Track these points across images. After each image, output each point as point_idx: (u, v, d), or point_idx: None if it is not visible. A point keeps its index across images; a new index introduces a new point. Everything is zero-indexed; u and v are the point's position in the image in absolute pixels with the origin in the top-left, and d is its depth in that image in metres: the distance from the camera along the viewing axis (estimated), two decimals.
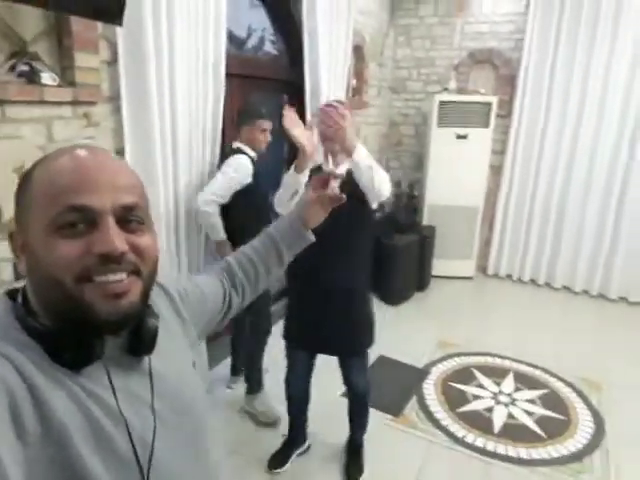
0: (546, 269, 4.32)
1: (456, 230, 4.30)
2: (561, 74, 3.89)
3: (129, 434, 0.60)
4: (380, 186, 1.71)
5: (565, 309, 3.97)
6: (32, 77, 1.65)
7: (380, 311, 3.72)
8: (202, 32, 2.22)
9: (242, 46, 3.27)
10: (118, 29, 1.84)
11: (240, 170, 2.25)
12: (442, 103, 4.04)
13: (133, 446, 0.60)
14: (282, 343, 2.11)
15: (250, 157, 2.32)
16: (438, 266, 4.37)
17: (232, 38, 3.14)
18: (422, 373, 2.94)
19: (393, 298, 3.92)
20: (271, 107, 3.55)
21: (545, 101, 3.99)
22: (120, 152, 1.98)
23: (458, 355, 3.15)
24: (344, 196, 1.00)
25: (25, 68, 1.64)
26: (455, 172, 4.13)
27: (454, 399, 2.68)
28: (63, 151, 0.61)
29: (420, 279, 4.15)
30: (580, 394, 2.76)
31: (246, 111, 2.41)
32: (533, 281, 4.41)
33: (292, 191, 1.78)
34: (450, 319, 3.71)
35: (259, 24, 3.32)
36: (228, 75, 2.45)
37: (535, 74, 3.97)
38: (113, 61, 1.90)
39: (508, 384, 2.84)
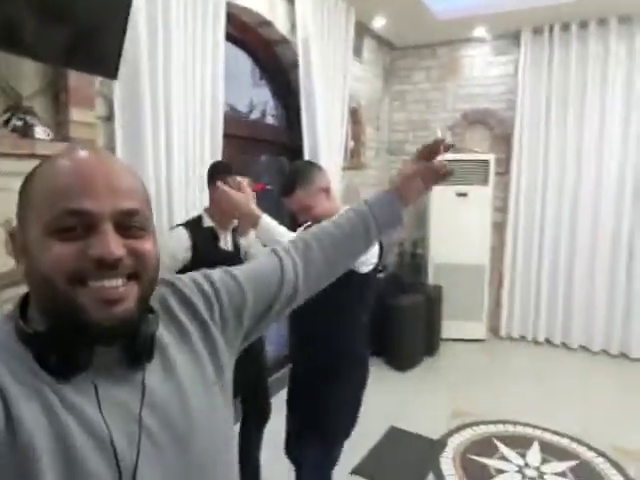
0: (561, 328, 4.12)
1: (464, 290, 4.16)
2: (556, 130, 3.96)
3: (114, 452, 0.55)
4: None
5: (585, 370, 3.73)
6: (25, 131, 1.62)
7: (388, 377, 3.51)
8: (200, 91, 2.25)
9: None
10: (116, 86, 1.85)
11: (166, 249, 1.81)
12: None
13: (118, 464, 0.55)
14: None
15: (191, 227, 1.90)
16: (447, 328, 4.17)
17: (235, 112, 3.23)
18: (438, 445, 2.68)
19: (401, 363, 3.70)
20: (272, 169, 3.60)
21: (542, 158, 4.02)
22: None
23: (476, 424, 2.89)
24: (452, 170, 0.84)
25: (19, 122, 1.62)
26: (458, 230, 4.08)
27: (476, 474, 2.41)
28: (66, 152, 0.60)
29: (429, 343, 3.94)
30: (615, 465, 2.49)
31: (209, 169, 2.02)
32: (549, 341, 4.20)
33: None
34: (464, 385, 3.47)
35: (260, 100, 3.43)
36: (226, 135, 2.45)
37: (530, 132, 4.04)
38: (109, 117, 1.89)
39: (534, 455, 2.58)
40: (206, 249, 1.89)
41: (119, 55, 1.61)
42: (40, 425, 0.52)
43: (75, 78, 1.70)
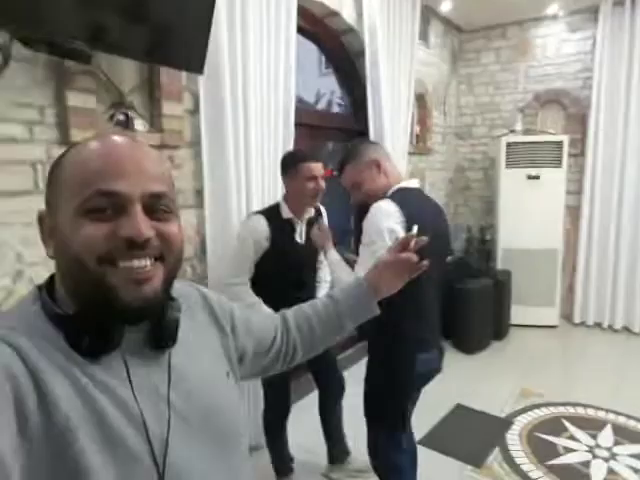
0: None
1: (535, 275, 4.07)
2: (636, 109, 3.74)
3: (145, 429, 0.58)
4: None
5: None
6: (127, 124, 1.86)
7: (455, 360, 3.53)
8: (274, 84, 2.41)
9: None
10: (200, 82, 2.05)
11: (249, 237, 1.92)
12: (509, 145, 3.99)
13: (149, 441, 0.58)
14: None
15: (269, 217, 1.93)
16: (517, 314, 4.11)
17: (302, 103, 3.37)
18: (505, 423, 2.70)
19: (468, 346, 3.72)
20: (338, 156, 3.72)
21: (621, 138, 3.82)
22: (200, 192, 2.14)
23: (545, 405, 2.88)
24: (425, 264, 0.92)
25: (121, 117, 1.86)
26: (529, 214, 3.99)
27: (542, 451, 2.43)
28: (96, 137, 0.62)
29: (497, 327, 3.91)
30: None
31: (285, 158, 2.04)
32: (627, 329, 4.01)
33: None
34: (533, 368, 3.43)
35: (327, 89, 3.54)
36: (297, 125, 2.61)
37: (607, 111, 3.85)
38: (195, 110, 2.11)
39: (606, 437, 2.54)
40: (283, 241, 1.94)
41: (205, 51, 1.79)
42: (75, 406, 0.53)
43: (166, 74, 1.91)
